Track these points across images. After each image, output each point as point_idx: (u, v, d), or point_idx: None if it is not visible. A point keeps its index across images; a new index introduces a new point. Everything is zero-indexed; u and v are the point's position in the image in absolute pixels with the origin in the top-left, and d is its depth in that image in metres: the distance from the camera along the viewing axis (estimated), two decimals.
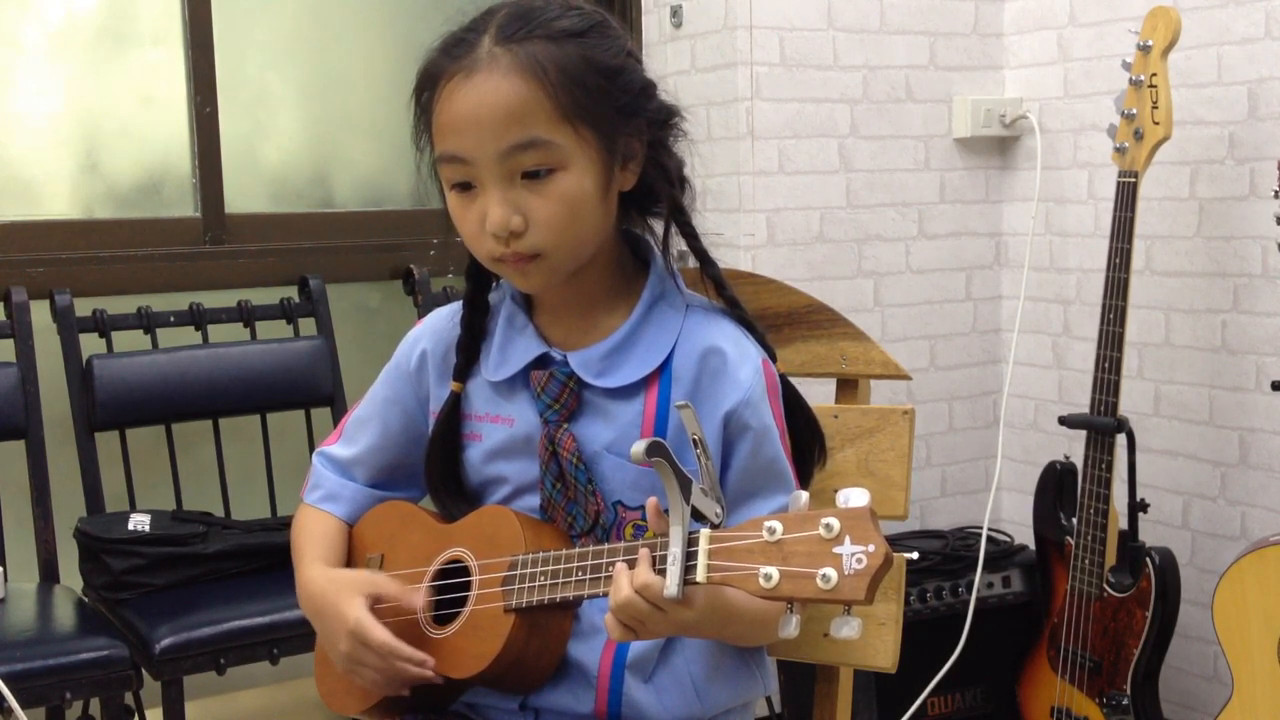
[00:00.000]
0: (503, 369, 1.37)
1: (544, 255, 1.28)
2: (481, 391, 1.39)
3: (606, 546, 1.23)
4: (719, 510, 1.15)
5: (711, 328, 1.34)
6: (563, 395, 1.33)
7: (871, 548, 1.02)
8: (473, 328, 1.41)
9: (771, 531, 1.07)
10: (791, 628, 1.06)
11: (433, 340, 1.44)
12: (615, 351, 1.33)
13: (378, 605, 1.34)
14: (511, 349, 1.38)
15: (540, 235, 1.26)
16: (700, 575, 1.10)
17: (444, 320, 1.45)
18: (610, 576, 1.18)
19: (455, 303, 1.44)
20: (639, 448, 1.09)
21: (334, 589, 1.37)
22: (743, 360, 1.32)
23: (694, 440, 1.16)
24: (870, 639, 1.41)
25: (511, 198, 1.26)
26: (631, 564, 1.17)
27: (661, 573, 1.13)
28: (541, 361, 1.36)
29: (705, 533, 1.12)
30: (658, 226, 1.38)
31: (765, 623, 1.26)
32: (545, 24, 1.26)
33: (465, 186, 1.28)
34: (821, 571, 1.03)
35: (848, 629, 1.04)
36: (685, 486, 1.12)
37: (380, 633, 1.30)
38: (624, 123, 1.29)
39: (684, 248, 1.38)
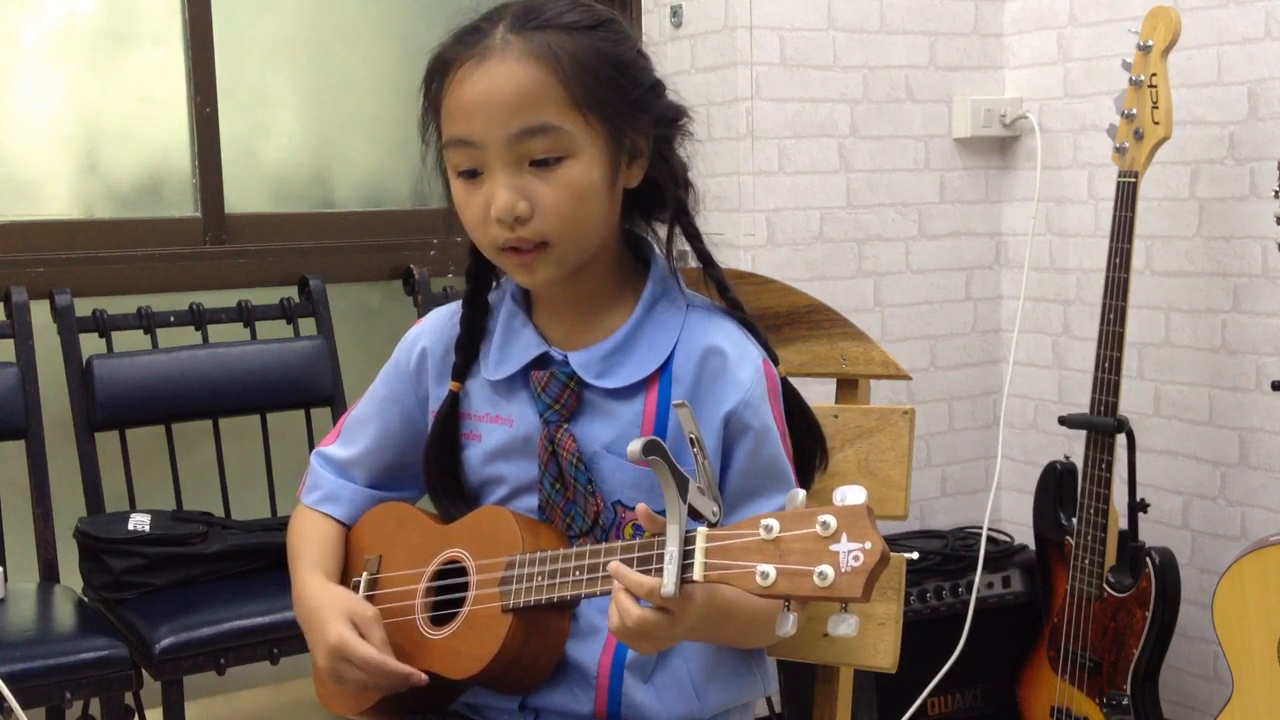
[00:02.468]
0: (502, 368, 1.37)
1: (549, 245, 1.28)
2: (481, 391, 1.39)
3: (604, 546, 1.23)
4: (716, 509, 1.15)
5: (712, 327, 1.34)
6: (563, 395, 1.33)
7: (868, 545, 1.02)
8: (472, 327, 1.41)
9: (768, 529, 1.07)
10: (789, 626, 1.06)
11: (432, 339, 1.44)
12: (616, 351, 1.33)
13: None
14: (511, 348, 1.38)
15: (545, 222, 1.26)
16: (697, 574, 1.10)
17: (443, 319, 1.45)
18: (608, 576, 1.18)
19: (454, 302, 1.44)
20: (635, 446, 1.09)
21: (324, 606, 1.37)
22: (743, 360, 1.32)
23: (691, 439, 1.16)
24: (870, 639, 1.41)
25: (518, 183, 1.25)
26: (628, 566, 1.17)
27: (658, 572, 1.12)
28: (541, 361, 1.36)
29: (702, 531, 1.12)
30: (660, 230, 1.38)
31: (764, 621, 1.26)
32: (559, 16, 1.27)
33: (471, 174, 1.28)
34: (818, 569, 1.03)
35: (845, 626, 1.04)
36: (682, 485, 1.11)
37: (363, 649, 1.31)
38: (633, 117, 1.29)
39: (683, 248, 1.38)
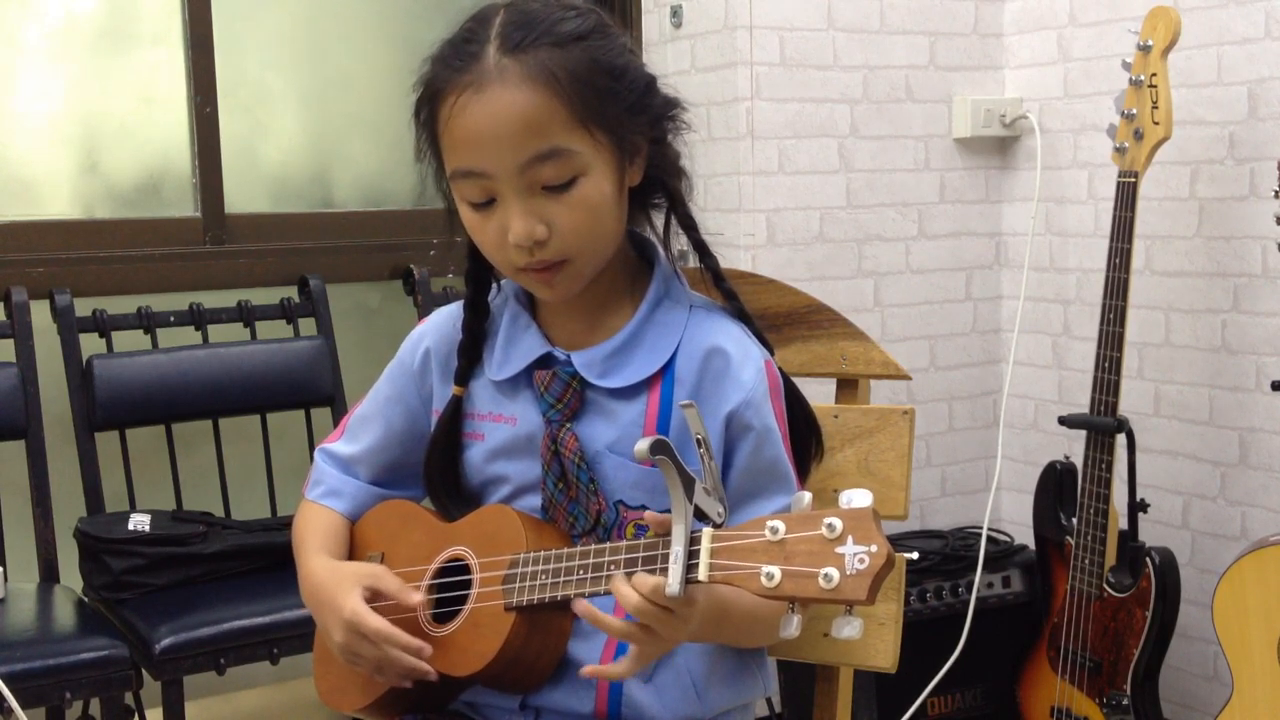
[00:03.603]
0: (506, 368, 1.37)
1: (570, 261, 1.28)
2: (484, 391, 1.39)
3: (608, 546, 1.22)
4: (721, 510, 1.15)
5: (714, 328, 1.34)
6: (566, 395, 1.33)
7: (874, 548, 1.02)
8: (473, 331, 1.41)
9: (774, 531, 1.07)
10: (793, 628, 1.06)
11: (436, 339, 1.44)
12: (619, 352, 1.33)
13: (376, 601, 1.34)
14: (515, 348, 1.38)
15: (565, 242, 1.26)
16: (702, 574, 1.10)
17: (448, 319, 1.45)
18: (611, 576, 1.18)
19: (459, 302, 1.44)
20: (643, 446, 1.09)
21: (334, 580, 1.37)
22: (745, 360, 1.32)
23: (697, 440, 1.16)
24: (870, 639, 1.41)
25: (533, 208, 1.25)
26: (631, 567, 1.16)
27: (663, 572, 1.13)
28: (545, 361, 1.36)
29: (708, 532, 1.12)
30: (656, 219, 1.38)
31: (761, 622, 1.26)
32: (549, 30, 1.25)
33: (483, 202, 1.27)
34: (824, 571, 1.03)
35: (849, 629, 1.04)
36: (688, 485, 1.12)
37: (375, 621, 1.30)
38: (632, 120, 1.29)
39: (683, 248, 1.38)
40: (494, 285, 1.43)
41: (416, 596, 1.33)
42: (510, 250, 1.26)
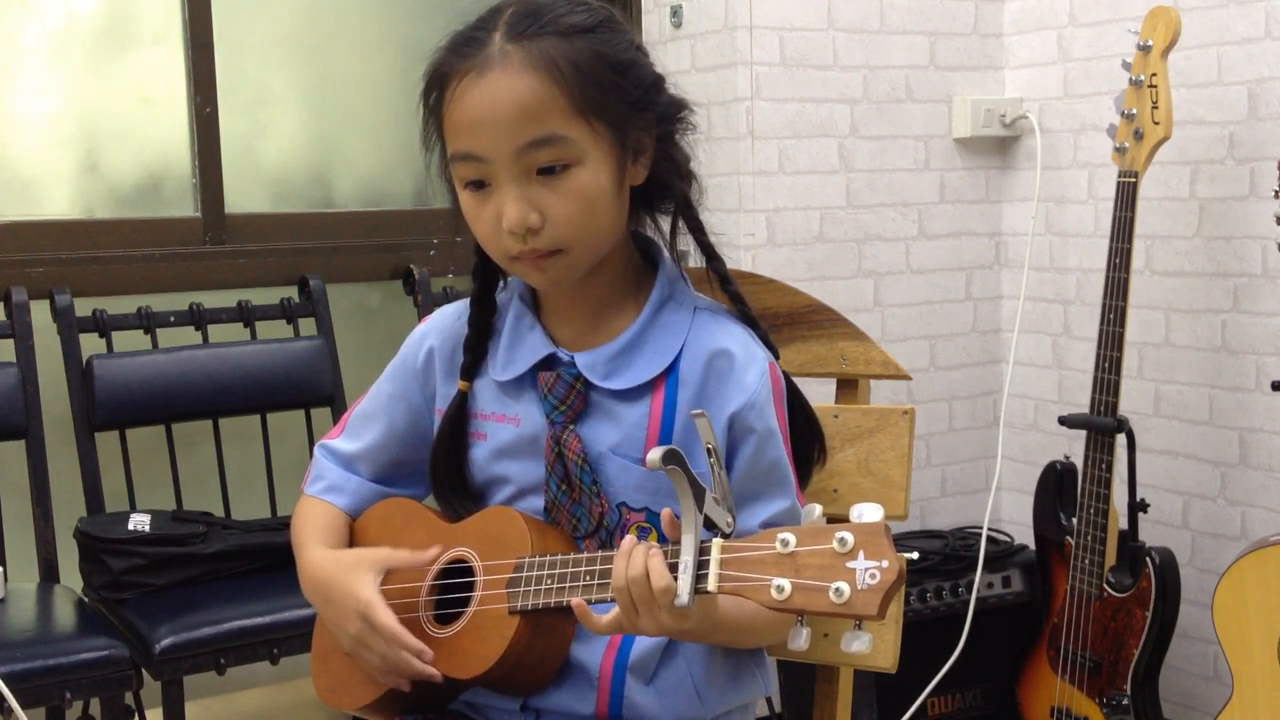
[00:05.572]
0: (510, 369, 1.37)
1: (563, 252, 1.28)
2: (488, 391, 1.39)
3: (616, 552, 1.22)
4: (730, 520, 1.15)
5: (719, 330, 1.34)
6: (569, 396, 1.33)
7: (885, 563, 1.02)
8: (480, 326, 1.40)
9: (785, 543, 1.06)
10: (802, 640, 1.06)
11: (440, 337, 1.44)
12: (623, 353, 1.33)
13: (387, 586, 1.34)
14: (519, 349, 1.37)
15: (558, 231, 1.26)
16: (711, 584, 1.10)
17: (451, 317, 1.45)
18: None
19: (462, 300, 1.44)
20: (655, 455, 1.09)
21: (341, 569, 1.36)
22: (749, 363, 1.32)
23: (708, 449, 1.16)
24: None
25: (528, 195, 1.25)
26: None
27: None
28: (549, 362, 1.36)
29: (717, 542, 1.12)
30: (664, 223, 1.38)
31: (755, 630, 1.27)
32: (555, 20, 1.26)
33: (479, 185, 1.28)
34: (834, 585, 1.03)
35: (859, 643, 1.04)
36: (699, 495, 1.11)
37: (386, 616, 1.30)
38: (636, 117, 1.29)
39: (684, 249, 1.38)
40: (500, 281, 1.43)
41: (432, 552, 1.33)
42: (505, 237, 1.27)
